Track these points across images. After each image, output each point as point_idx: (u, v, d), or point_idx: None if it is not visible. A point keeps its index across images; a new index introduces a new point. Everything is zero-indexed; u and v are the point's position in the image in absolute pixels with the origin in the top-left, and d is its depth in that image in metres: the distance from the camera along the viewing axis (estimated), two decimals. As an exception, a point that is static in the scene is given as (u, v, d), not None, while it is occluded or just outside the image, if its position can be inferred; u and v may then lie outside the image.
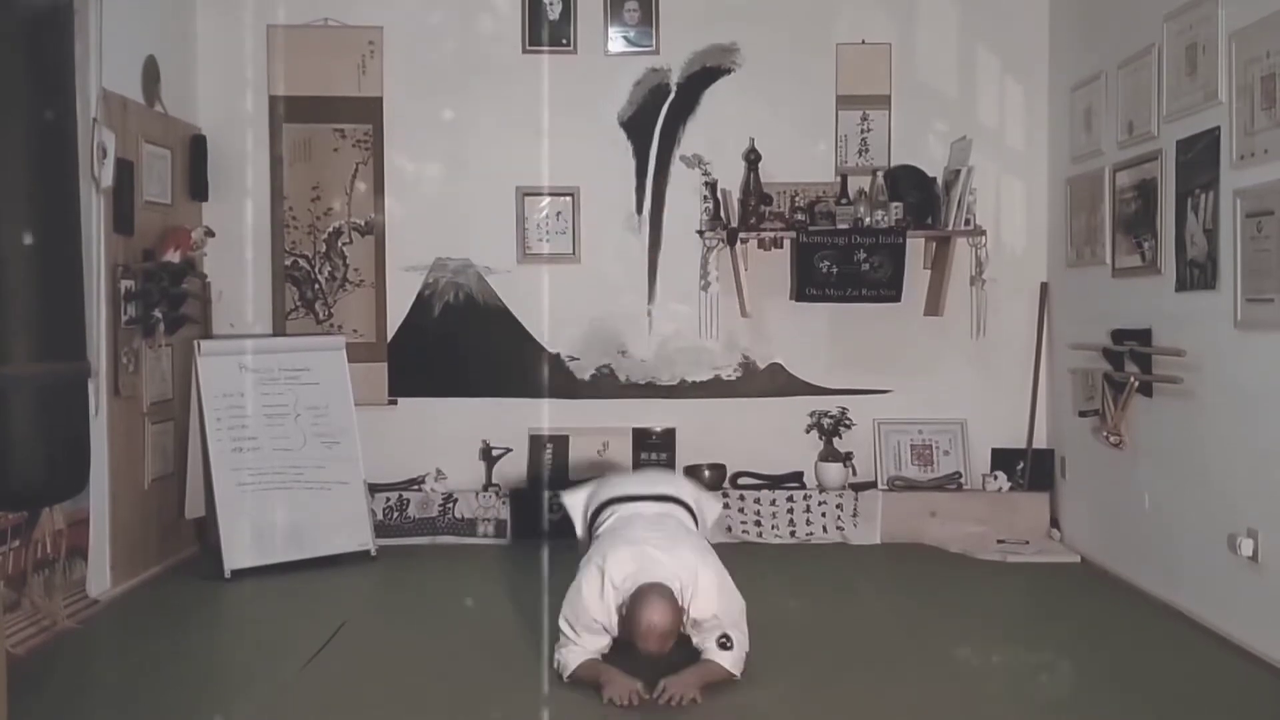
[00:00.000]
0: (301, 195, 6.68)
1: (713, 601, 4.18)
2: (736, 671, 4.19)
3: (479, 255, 6.75)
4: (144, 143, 5.82)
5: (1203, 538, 4.89)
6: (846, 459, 6.65)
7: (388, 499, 6.56)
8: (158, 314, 5.83)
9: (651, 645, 4.08)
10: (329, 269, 6.72)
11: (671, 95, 6.73)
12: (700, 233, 6.63)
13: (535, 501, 6.57)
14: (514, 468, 6.74)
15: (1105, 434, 5.66)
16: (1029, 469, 6.65)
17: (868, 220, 6.41)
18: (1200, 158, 4.90)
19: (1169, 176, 5.19)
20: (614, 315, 6.72)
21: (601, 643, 4.23)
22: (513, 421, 6.74)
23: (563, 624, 4.27)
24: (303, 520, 5.99)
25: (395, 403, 6.75)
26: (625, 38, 6.72)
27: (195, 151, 6.42)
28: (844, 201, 6.50)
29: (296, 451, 6.09)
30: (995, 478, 6.63)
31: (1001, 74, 6.76)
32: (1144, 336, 5.42)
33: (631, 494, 4.67)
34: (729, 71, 6.73)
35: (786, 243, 6.61)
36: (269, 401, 6.08)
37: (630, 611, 4.10)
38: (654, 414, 6.75)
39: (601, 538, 4.45)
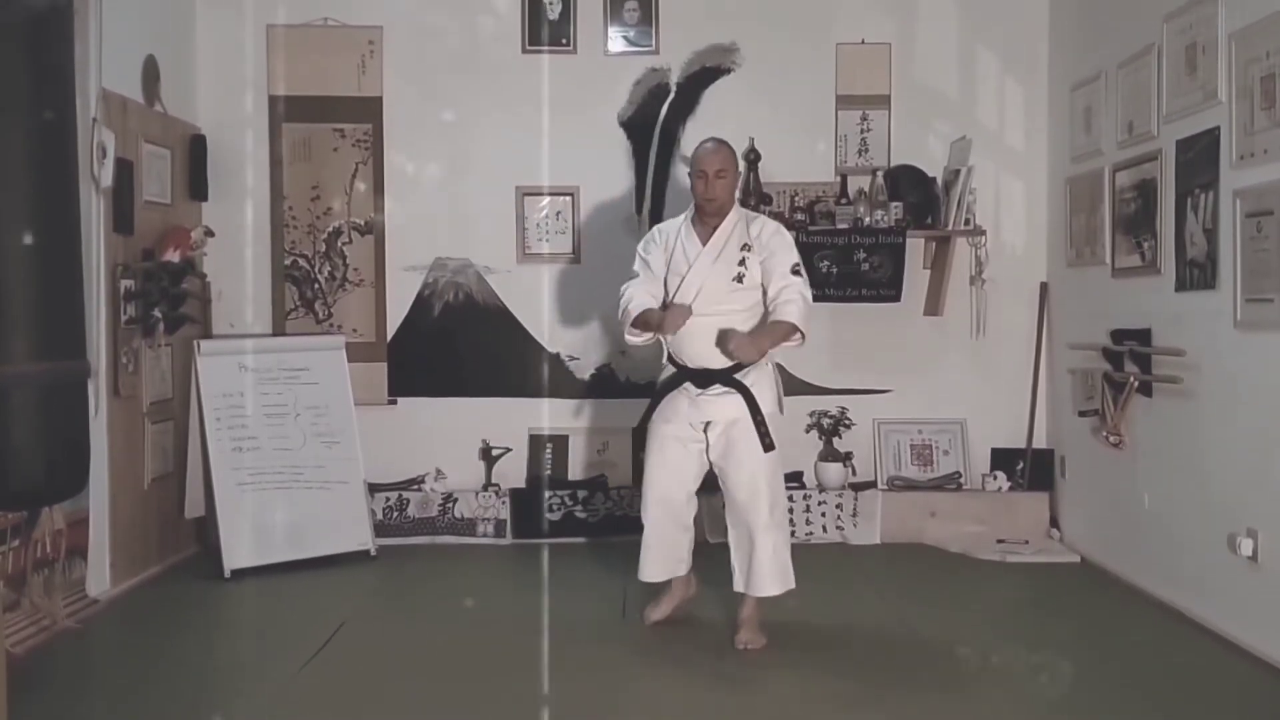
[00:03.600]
0: (301, 195, 6.68)
1: (772, 241, 4.65)
2: (804, 326, 4.54)
3: (479, 255, 6.75)
4: (144, 142, 5.81)
5: (1202, 537, 4.89)
6: (846, 459, 6.65)
7: (387, 499, 6.56)
8: (157, 314, 5.82)
9: (710, 165, 4.60)
10: (329, 269, 6.71)
11: (671, 95, 6.72)
12: (700, 232, 6.63)
13: (535, 501, 6.57)
14: (514, 468, 6.74)
15: (1105, 434, 5.66)
16: (1029, 469, 6.65)
17: (867, 220, 6.41)
18: (1200, 158, 4.90)
19: (1169, 176, 5.19)
20: (613, 315, 6.69)
21: (657, 283, 4.74)
22: (512, 421, 6.74)
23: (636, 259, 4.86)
24: (302, 520, 5.99)
25: (395, 402, 6.74)
26: (625, 37, 6.72)
27: (195, 151, 6.42)
28: (844, 201, 6.49)
29: (296, 451, 6.09)
30: (995, 477, 6.63)
31: (1001, 74, 6.77)
32: (1144, 336, 5.42)
33: None
34: (729, 71, 6.72)
35: (786, 242, 6.61)
36: (269, 401, 6.08)
37: (692, 157, 4.74)
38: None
39: None
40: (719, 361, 4.60)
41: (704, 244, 4.67)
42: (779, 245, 4.66)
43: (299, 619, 5.13)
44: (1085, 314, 6.12)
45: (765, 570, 4.65)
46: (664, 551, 4.81)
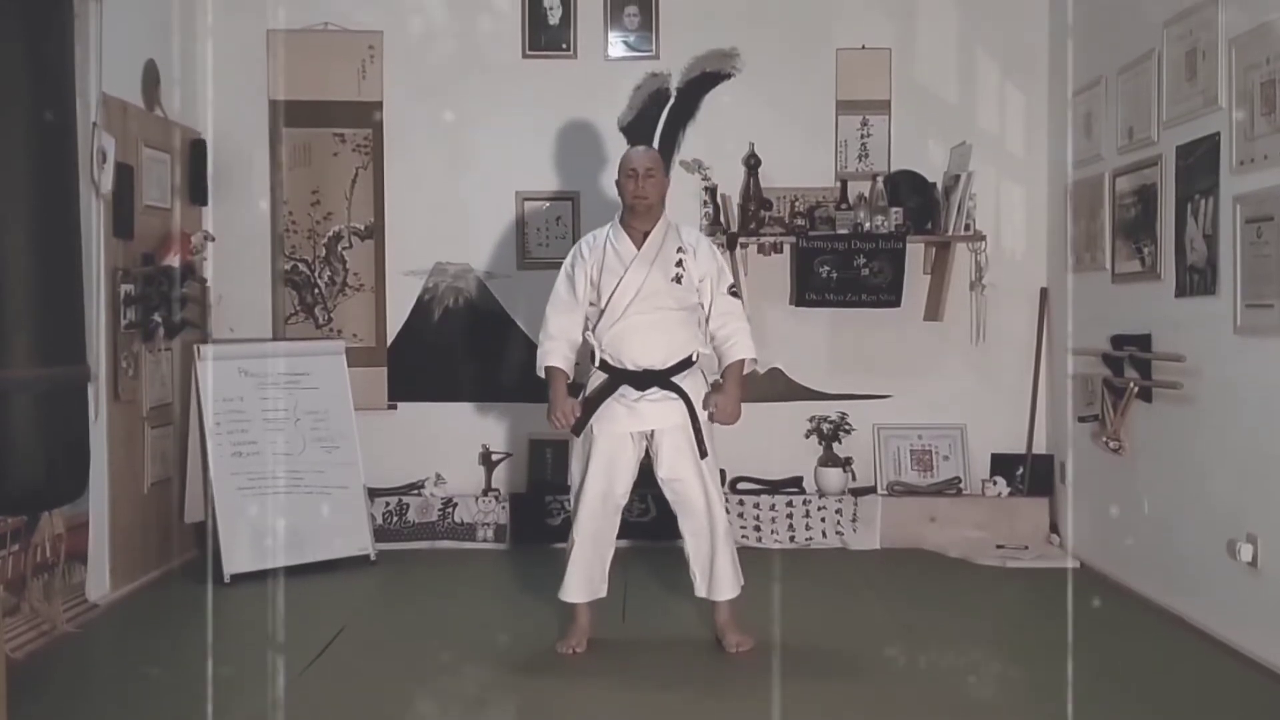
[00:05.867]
0: (301, 199, 6.68)
1: (709, 258, 4.69)
2: (752, 344, 4.68)
3: (479, 260, 6.75)
4: (144, 147, 5.82)
5: (1202, 543, 4.89)
6: (846, 464, 6.64)
7: (387, 503, 6.56)
8: (157, 318, 5.83)
9: (640, 164, 4.63)
10: (329, 273, 6.72)
11: (671, 100, 6.73)
12: (700, 237, 6.63)
13: (535, 506, 6.57)
14: (514, 472, 6.74)
15: (1105, 439, 5.66)
16: (1028, 474, 6.65)
17: (867, 225, 6.41)
18: (1200, 163, 4.91)
19: (1169, 182, 5.19)
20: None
21: (578, 312, 4.71)
22: (512, 426, 6.75)
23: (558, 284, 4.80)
24: (302, 525, 5.99)
25: (395, 407, 6.74)
26: (625, 42, 6.73)
27: (195, 156, 6.42)
28: (844, 207, 6.50)
29: (296, 456, 6.09)
30: (995, 483, 6.63)
31: (1001, 79, 6.77)
32: (1144, 342, 5.42)
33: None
34: (729, 76, 6.73)
35: (786, 248, 6.62)
36: (269, 406, 6.08)
37: (620, 162, 4.73)
38: (653, 419, 6.73)
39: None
40: (660, 362, 4.60)
41: (638, 247, 4.64)
42: (714, 261, 4.71)
43: (299, 624, 5.12)
44: (1085, 319, 6.12)
45: (725, 575, 4.68)
46: (591, 569, 4.70)
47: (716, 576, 4.68)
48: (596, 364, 4.69)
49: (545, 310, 4.78)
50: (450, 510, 6.58)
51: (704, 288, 4.66)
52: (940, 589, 5.78)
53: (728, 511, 4.89)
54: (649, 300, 4.58)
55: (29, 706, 3.91)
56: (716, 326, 4.67)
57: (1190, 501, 5.04)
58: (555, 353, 4.67)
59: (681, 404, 4.59)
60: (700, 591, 4.74)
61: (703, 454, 4.61)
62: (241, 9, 6.63)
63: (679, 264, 4.63)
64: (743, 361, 4.68)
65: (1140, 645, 4.83)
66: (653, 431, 4.63)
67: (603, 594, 4.78)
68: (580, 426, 4.63)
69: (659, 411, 4.60)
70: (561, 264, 4.84)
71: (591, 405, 4.63)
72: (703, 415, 4.63)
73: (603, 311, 4.65)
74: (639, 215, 4.67)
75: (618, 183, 4.74)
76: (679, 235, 4.71)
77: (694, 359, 4.67)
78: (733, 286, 4.73)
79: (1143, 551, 5.48)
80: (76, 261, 3.44)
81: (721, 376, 4.73)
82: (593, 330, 4.69)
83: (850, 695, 4.23)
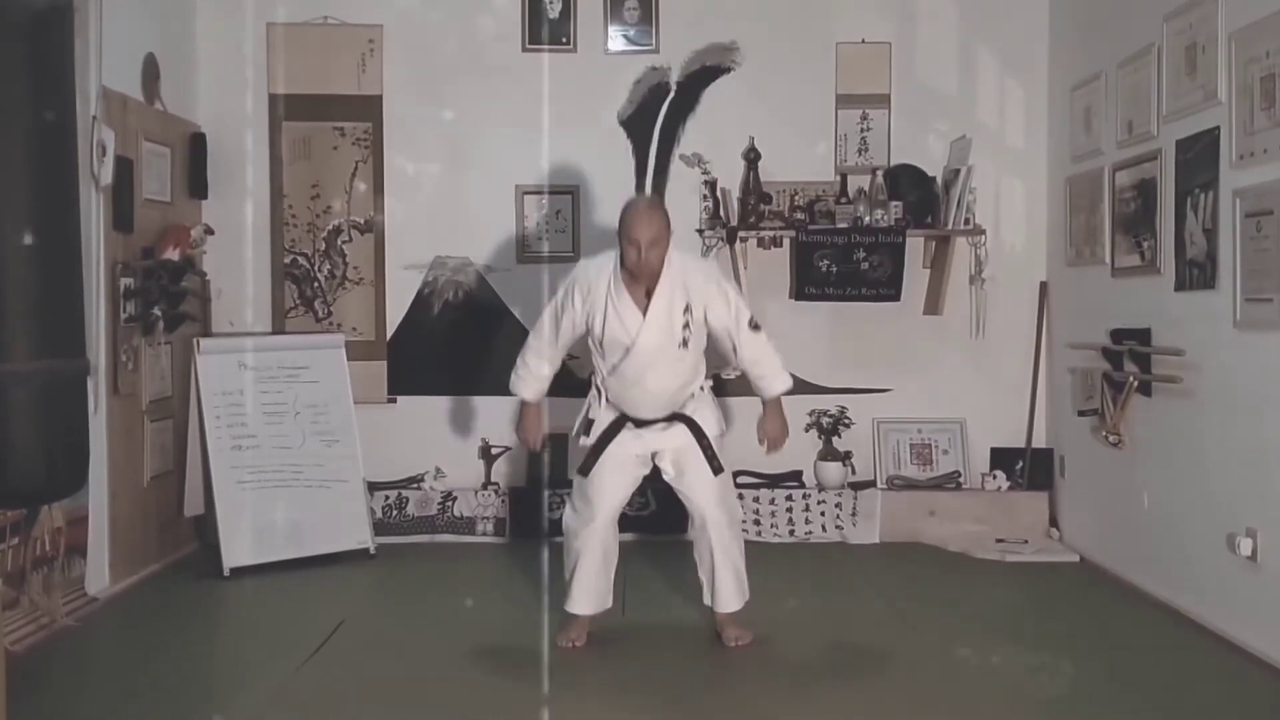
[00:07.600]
0: (301, 193, 6.68)
1: (721, 304, 4.51)
2: (785, 374, 4.64)
3: (478, 254, 6.75)
4: (144, 140, 5.81)
5: (1201, 537, 4.90)
6: (846, 458, 6.65)
7: (387, 497, 6.56)
8: (157, 312, 5.83)
9: (643, 236, 4.32)
10: (328, 267, 6.71)
11: (671, 94, 6.72)
12: (700, 231, 6.62)
13: (534, 500, 6.57)
14: (513, 466, 6.74)
15: (1104, 433, 5.66)
16: (1028, 468, 6.65)
17: (867, 219, 6.40)
18: (1200, 157, 4.90)
19: (1168, 176, 5.19)
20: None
21: (555, 354, 4.68)
22: (512, 420, 6.72)
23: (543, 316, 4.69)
24: (302, 518, 6.00)
25: (394, 401, 6.75)
26: (625, 36, 6.72)
27: (195, 149, 6.42)
28: (843, 200, 6.50)
29: (296, 450, 6.09)
30: (994, 477, 6.63)
31: (1001, 73, 6.76)
32: (1143, 336, 5.42)
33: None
34: (729, 70, 6.73)
35: (786, 242, 6.62)
36: (268, 400, 6.08)
37: (621, 220, 4.43)
38: (653, 413, 6.73)
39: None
40: (664, 411, 4.57)
41: (642, 312, 4.43)
42: (727, 306, 4.51)
43: (298, 617, 5.13)
44: (1085, 313, 6.12)
45: (727, 588, 4.70)
46: (599, 580, 4.70)
47: (722, 589, 4.69)
48: (601, 400, 4.64)
49: (528, 337, 4.79)
50: (450, 504, 6.58)
51: (717, 322, 4.51)
52: (939, 583, 5.78)
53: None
54: (656, 364, 4.49)
55: (28, 700, 3.91)
56: (749, 364, 4.61)
57: (1190, 495, 5.04)
58: (528, 388, 4.76)
59: (685, 427, 4.59)
60: (707, 600, 4.76)
61: (716, 471, 4.60)
62: (241, 3, 6.62)
63: (686, 325, 4.46)
64: (775, 387, 4.67)
65: (1139, 639, 4.84)
66: (657, 451, 4.65)
67: (609, 605, 4.79)
68: (587, 469, 4.61)
69: (664, 436, 4.61)
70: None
71: (598, 449, 4.60)
72: (712, 434, 4.61)
73: (607, 362, 4.55)
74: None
75: (619, 237, 4.44)
76: (684, 284, 4.46)
77: (699, 391, 4.65)
78: (752, 320, 4.56)
79: (1142, 546, 5.48)
80: (76, 255, 3.43)
81: (763, 407, 4.73)
82: (596, 372, 4.65)
83: (849, 689, 4.23)
